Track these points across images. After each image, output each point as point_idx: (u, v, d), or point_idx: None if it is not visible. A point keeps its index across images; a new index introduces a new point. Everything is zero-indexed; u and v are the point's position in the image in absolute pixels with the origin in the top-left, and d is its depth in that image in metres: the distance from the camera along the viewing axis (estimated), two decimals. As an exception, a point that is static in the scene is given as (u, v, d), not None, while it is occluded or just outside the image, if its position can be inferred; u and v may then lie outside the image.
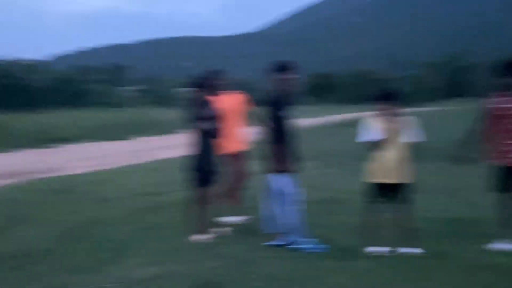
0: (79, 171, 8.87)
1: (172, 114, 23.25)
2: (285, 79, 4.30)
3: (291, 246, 4.14)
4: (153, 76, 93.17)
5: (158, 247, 4.26)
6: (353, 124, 8.64)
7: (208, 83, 4.70)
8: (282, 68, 4.33)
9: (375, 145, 3.96)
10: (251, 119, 5.18)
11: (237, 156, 5.15)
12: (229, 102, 5.03)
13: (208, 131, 4.44)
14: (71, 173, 8.63)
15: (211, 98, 4.63)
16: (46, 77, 48.15)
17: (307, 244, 4.13)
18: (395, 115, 3.99)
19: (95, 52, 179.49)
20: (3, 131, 14.13)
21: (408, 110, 5.59)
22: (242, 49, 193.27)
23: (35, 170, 9.32)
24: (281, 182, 4.20)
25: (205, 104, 4.52)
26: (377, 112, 4.01)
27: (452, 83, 64.59)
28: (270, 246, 4.17)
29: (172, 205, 5.78)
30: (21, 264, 3.82)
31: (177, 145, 14.02)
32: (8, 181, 8.03)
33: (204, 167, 4.51)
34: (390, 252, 3.93)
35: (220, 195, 4.87)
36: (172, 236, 4.55)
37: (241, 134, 5.26)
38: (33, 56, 63.27)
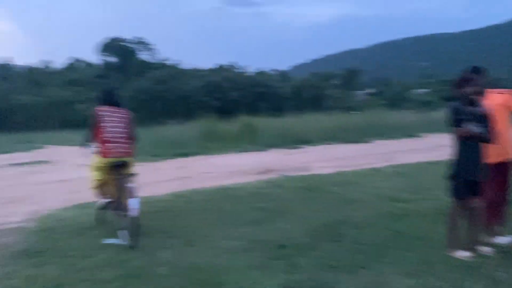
0: (322, 171, 9.29)
1: (411, 116, 22.31)
2: None
3: None
4: (387, 78, 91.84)
5: (410, 257, 4.00)
6: None
7: (471, 81, 4.13)
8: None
9: None
10: None
11: (504, 166, 4.38)
12: (495, 102, 4.32)
13: (475, 134, 3.89)
14: (316, 172, 9.11)
15: (477, 97, 4.06)
16: (289, 85, 53.37)
17: None
18: None
19: (328, 59, 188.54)
20: (256, 133, 16.19)
21: None
22: (488, 43, 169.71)
23: (284, 168, 10.26)
24: None
25: (473, 103, 3.98)
26: None
27: None
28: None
29: (420, 213, 5.42)
30: (284, 255, 4.18)
31: (420, 149, 13.43)
32: (263, 177, 9.08)
33: (466, 176, 3.99)
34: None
35: (483, 210, 4.23)
36: (423, 248, 4.23)
37: (509, 139, 4.45)
38: (274, 67, 71.18)
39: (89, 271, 3.98)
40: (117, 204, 5.10)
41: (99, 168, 5.19)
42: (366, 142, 15.88)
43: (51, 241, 4.93)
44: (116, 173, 5.02)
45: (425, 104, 53.21)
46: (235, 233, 4.94)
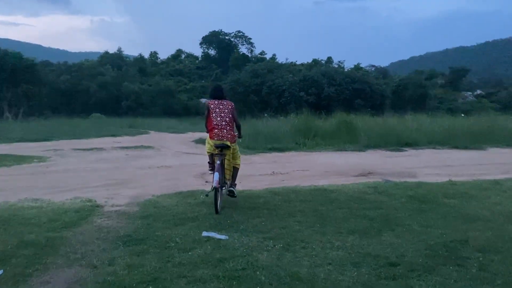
0: (431, 179, 8.41)
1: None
2: None
3: None
4: (499, 79, 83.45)
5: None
6: None
7: None
8: None
9: None
10: None
11: None
12: None
13: None
14: (423, 180, 8.27)
15: None
16: (388, 82, 50.80)
17: None
18: None
19: (428, 57, 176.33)
20: (355, 131, 15.40)
21: None
22: None
23: (387, 172, 9.52)
24: None
25: None
26: None
27: None
28: None
29: None
30: (396, 275, 3.68)
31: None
32: (363, 180, 8.47)
33: None
34: None
35: None
36: None
37: None
38: (371, 63, 68.35)
39: (186, 267, 3.85)
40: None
41: (209, 148, 6.37)
42: (479, 149, 14.26)
43: (151, 229, 4.94)
44: (219, 151, 6.16)
45: (547, 110, 47.32)
46: (337, 242, 4.52)
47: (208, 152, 6.46)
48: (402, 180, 8.25)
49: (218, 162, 6.05)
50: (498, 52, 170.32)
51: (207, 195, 6.15)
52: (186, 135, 21.05)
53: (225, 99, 6.47)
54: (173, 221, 5.27)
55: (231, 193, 6.23)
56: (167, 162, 10.98)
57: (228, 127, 6.23)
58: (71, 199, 6.64)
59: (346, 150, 13.48)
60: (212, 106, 6.35)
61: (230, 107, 6.36)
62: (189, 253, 4.21)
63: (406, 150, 13.73)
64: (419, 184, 7.65)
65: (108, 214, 5.73)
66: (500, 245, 4.44)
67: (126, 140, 16.87)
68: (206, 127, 6.48)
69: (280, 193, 6.89)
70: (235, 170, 6.51)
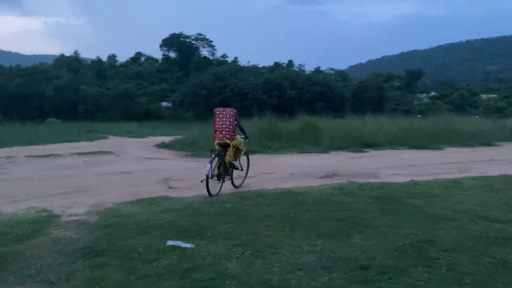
0: (394, 179, 8.54)
1: (484, 123, 20.66)
2: None
3: None
4: (452, 81, 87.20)
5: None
6: None
7: None
8: None
9: None
10: None
11: None
12: None
13: None
14: (387, 180, 8.38)
15: None
16: (348, 85, 51.94)
17: None
18: None
19: (385, 60, 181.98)
20: (318, 133, 15.52)
21: None
22: None
23: (351, 173, 9.61)
24: None
25: None
26: None
27: None
28: None
29: (526, 239, 4.63)
30: (367, 278, 3.63)
31: (499, 160, 12.20)
32: (329, 182, 8.48)
33: None
34: None
35: None
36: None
37: None
38: (331, 66, 69.84)
39: (151, 279, 3.64)
40: (221, 173, 7.63)
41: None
42: (437, 149, 14.73)
43: (113, 240, 4.68)
44: (222, 149, 7.66)
45: (496, 111, 49.82)
46: (306, 246, 4.44)
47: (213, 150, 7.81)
48: (366, 181, 8.31)
49: (212, 155, 7.48)
50: (450, 55, 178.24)
51: (202, 181, 7.15)
52: (147, 140, 20.53)
53: (229, 107, 7.76)
54: (135, 230, 5.02)
55: (233, 166, 7.85)
56: (128, 168, 10.61)
57: (227, 129, 7.58)
58: (24, 210, 6.22)
59: (310, 152, 13.55)
60: (217, 112, 7.75)
61: (231, 113, 7.67)
62: (154, 264, 3.99)
63: (368, 151, 13.97)
64: (383, 185, 7.73)
65: (66, 224, 5.40)
66: (465, 244, 4.49)
67: (84, 146, 16.24)
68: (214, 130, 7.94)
69: (248, 197, 6.75)
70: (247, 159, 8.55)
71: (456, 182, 8.02)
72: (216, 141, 7.68)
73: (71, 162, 11.86)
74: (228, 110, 7.67)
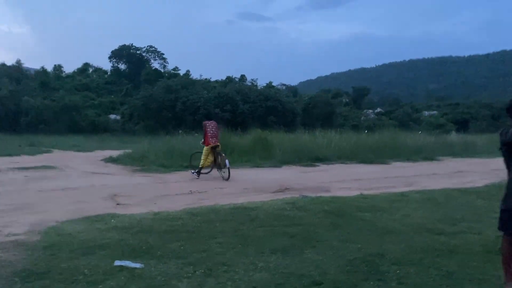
0: (344, 193, 8.73)
1: (427, 139, 21.72)
2: None
3: None
4: (396, 98, 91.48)
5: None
6: None
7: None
8: None
9: None
10: None
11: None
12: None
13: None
14: (337, 194, 8.55)
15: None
16: (298, 100, 53.00)
17: None
18: None
19: (334, 77, 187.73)
20: (270, 147, 15.65)
21: None
22: (500, 68, 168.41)
23: (302, 187, 9.72)
24: None
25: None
26: None
27: None
28: None
29: (467, 250, 4.86)
30: (321, 294, 3.63)
31: (441, 173, 12.85)
32: (280, 196, 8.52)
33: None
34: None
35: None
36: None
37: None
38: (281, 82, 70.96)
39: (97, 302, 3.44)
40: (217, 165, 11.54)
41: (207, 150, 11.35)
42: (383, 163, 15.29)
43: (55, 261, 4.40)
44: (213, 150, 11.38)
45: (437, 127, 52.61)
46: (260, 263, 4.39)
47: (204, 155, 11.37)
48: (318, 195, 8.44)
49: (219, 155, 11.46)
50: (395, 73, 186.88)
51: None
52: (94, 154, 19.75)
53: (212, 120, 11.74)
54: (80, 250, 4.75)
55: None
56: (73, 184, 10.13)
57: (216, 135, 11.46)
58: (-45, 231, 5.73)
59: (262, 166, 13.60)
60: (207, 124, 11.46)
61: (216, 124, 11.74)
62: (100, 286, 3.78)
63: (318, 165, 14.24)
64: (333, 199, 7.87)
65: (3, 245, 5.02)
66: (413, 257, 4.62)
67: (25, 160, 15.34)
68: (204, 138, 11.44)
69: (199, 213, 6.62)
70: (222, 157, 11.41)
71: (402, 195, 8.32)
72: (210, 145, 11.28)
73: (11, 177, 11.15)
74: (214, 122, 11.64)
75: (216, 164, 11.49)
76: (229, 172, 11.02)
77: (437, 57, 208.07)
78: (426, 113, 73.35)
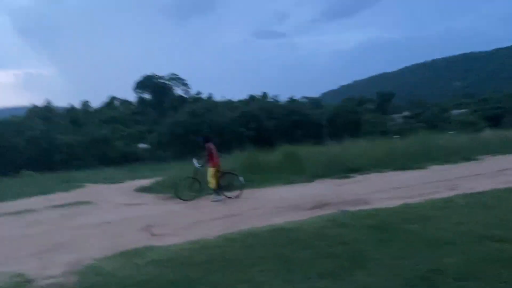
0: (385, 204, 8.30)
1: (461, 138, 20.90)
2: None
3: None
4: (422, 100, 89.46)
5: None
6: None
7: None
8: None
9: None
10: None
11: None
12: None
13: None
14: (378, 206, 8.13)
15: None
16: (323, 112, 52.53)
17: None
18: None
19: (356, 84, 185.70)
20: (300, 162, 15.28)
21: None
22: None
23: (340, 201, 9.33)
24: None
25: None
26: None
27: None
28: None
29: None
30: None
31: (484, 173, 12.18)
32: (319, 213, 8.17)
33: None
34: None
35: None
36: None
37: None
38: (304, 95, 70.62)
39: None
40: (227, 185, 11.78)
41: (215, 171, 11.51)
42: (420, 168, 14.66)
43: (93, 304, 4.21)
44: (221, 171, 11.67)
45: (469, 125, 50.96)
46: (308, 290, 4.08)
47: (213, 177, 11.46)
48: (358, 208, 8.05)
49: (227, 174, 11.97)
50: (418, 75, 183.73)
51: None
52: (125, 185, 19.85)
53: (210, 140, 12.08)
54: (118, 291, 4.56)
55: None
56: (107, 218, 10.05)
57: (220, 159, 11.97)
58: (-5, 276, 5.67)
59: (295, 183, 13.23)
60: (212, 147, 11.62)
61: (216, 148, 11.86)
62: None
63: (353, 176, 13.77)
64: (376, 211, 7.46)
65: (41, 289, 4.89)
66: (475, 270, 4.22)
67: (60, 197, 15.49)
68: (209, 160, 11.58)
69: (237, 239, 6.36)
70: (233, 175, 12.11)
71: (449, 201, 7.83)
72: (218, 168, 11.63)
73: (47, 216, 11.19)
74: (214, 146, 11.82)
75: (227, 184, 11.81)
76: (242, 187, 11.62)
77: (460, 54, 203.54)
78: (455, 112, 71.40)
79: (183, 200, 11.59)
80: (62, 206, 12.75)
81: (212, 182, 11.46)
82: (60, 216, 11.08)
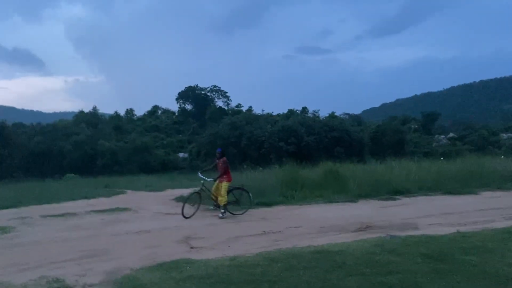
0: (436, 230, 7.77)
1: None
2: None
3: None
4: (469, 122, 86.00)
5: None
6: None
7: None
8: None
9: None
10: None
11: None
12: None
13: None
14: (429, 232, 7.61)
15: None
16: (364, 129, 51.41)
17: None
18: None
19: (398, 103, 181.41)
20: (343, 180, 14.78)
21: None
22: None
23: (386, 224, 8.84)
24: None
25: None
26: None
27: None
28: None
29: None
30: None
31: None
32: (364, 236, 7.74)
33: None
34: None
35: None
36: None
37: None
38: (345, 111, 69.47)
39: None
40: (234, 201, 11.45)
41: (229, 186, 11.10)
42: (471, 193, 13.79)
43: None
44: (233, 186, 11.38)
45: (520, 150, 48.32)
46: (358, 323, 3.72)
47: (227, 191, 11.01)
48: (406, 233, 7.56)
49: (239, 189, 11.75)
50: (465, 96, 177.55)
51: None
52: (165, 193, 19.96)
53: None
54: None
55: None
56: (146, 226, 10.00)
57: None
58: (35, 280, 5.67)
59: (337, 202, 12.77)
60: (227, 161, 11.24)
61: None
62: None
63: (399, 199, 13.13)
64: (428, 239, 6.95)
65: (78, 299, 4.78)
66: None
67: (101, 203, 15.73)
68: (226, 173, 11.05)
69: (279, 259, 6.05)
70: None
71: (508, 232, 7.20)
72: (231, 181, 11.21)
73: (87, 221, 11.32)
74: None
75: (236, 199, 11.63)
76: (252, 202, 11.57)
77: (510, 75, 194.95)
78: (504, 135, 68.09)
79: (186, 218, 10.66)
80: (103, 211, 12.89)
81: (224, 198, 10.93)
82: (101, 221, 11.17)
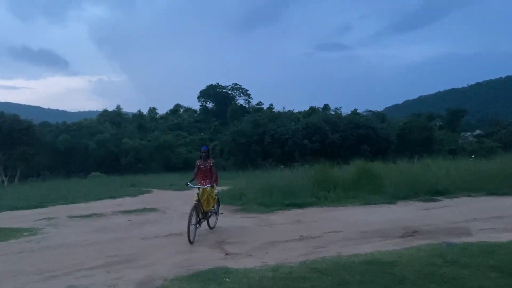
0: (488, 235, 7.09)
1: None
2: None
3: None
4: (496, 118, 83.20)
5: None
6: None
7: None
8: None
9: None
10: None
11: None
12: None
13: None
14: (480, 238, 6.92)
15: None
16: (390, 126, 50.10)
17: None
18: None
19: (421, 100, 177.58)
20: (379, 180, 14.06)
21: None
22: None
23: (433, 229, 8.15)
24: None
25: None
26: None
27: None
28: None
29: None
30: None
31: None
32: (413, 243, 7.08)
33: None
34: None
35: None
36: None
37: None
38: (367, 108, 67.88)
39: None
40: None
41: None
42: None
43: None
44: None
45: (554, 147, 46.33)
46: None
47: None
48: (461, 240, 6.86)
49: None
50: (490, 92, 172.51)
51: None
52: (190, 192, 19.52)
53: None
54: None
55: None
56: (176, 228, 9.53)
57: None
58: (62, 290, 5.24)
59: (374, 203, 12.04)
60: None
61: None
62: None
63: (440, 200, 12.33)
64: (490, 247, 6.25)
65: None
66: None
67: (127, 202, 15.43)
68: (215, 178, 9.01)
69: (326, 271, 5.47)
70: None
71: None
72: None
73: (115, 222, 10.96)
74: None
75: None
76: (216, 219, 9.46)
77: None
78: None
79: (191, 243, 7.85)
80: (130, 212, 12.55)
81: (212, 203, 8.98)
82: (128, 223, 10.80)
